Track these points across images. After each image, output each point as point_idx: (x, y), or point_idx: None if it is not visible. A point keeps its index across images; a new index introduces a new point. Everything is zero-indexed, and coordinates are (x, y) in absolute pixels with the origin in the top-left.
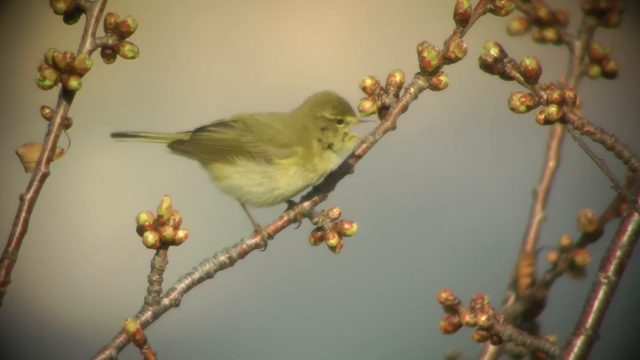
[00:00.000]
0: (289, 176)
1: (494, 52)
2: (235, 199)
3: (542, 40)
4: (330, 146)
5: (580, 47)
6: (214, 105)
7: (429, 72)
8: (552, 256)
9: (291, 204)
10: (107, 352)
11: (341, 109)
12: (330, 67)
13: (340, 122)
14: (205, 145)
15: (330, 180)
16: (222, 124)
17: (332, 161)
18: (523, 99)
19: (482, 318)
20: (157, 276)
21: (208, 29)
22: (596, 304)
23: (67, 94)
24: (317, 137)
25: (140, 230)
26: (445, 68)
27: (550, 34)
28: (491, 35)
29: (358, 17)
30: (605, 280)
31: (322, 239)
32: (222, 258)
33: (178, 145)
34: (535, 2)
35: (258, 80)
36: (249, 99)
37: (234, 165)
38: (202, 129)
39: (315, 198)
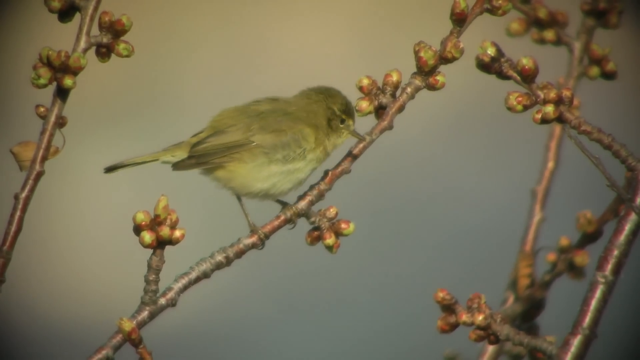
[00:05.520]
0: (307, 160)
1: (490, 51)
2: (258, 193)
3: (542, 41)
4: (328, 137)
5: (580, 48)
6: (213, 104)
7: (425, 72)
8: (552, 257)
9: (286, 204)
10: (104, 352)
11: (348, 110)
12: (328, 67)
13: (342, 121)
14: (216, 152)
15: (327, 180)
16: (219, 132)
17: (328, 149)
18: (520, 99)
19: (479, 317)
20: (153, 276)
21: (208, 28)
22: (593, 303)
23: (62, 93)
24: (324, 124)
25: (137, 229)
26: (442, 68)
27: (549, 34)
28: (491, 37)
29: (355, 17)
30: (603, 280)
31: (319, 238)
32: (219, 258)
33: (186, 162)
34: (534, 3)
35: (257, 79)
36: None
37: (255, 160)
38: (201, 141)
39: (312, 198)
